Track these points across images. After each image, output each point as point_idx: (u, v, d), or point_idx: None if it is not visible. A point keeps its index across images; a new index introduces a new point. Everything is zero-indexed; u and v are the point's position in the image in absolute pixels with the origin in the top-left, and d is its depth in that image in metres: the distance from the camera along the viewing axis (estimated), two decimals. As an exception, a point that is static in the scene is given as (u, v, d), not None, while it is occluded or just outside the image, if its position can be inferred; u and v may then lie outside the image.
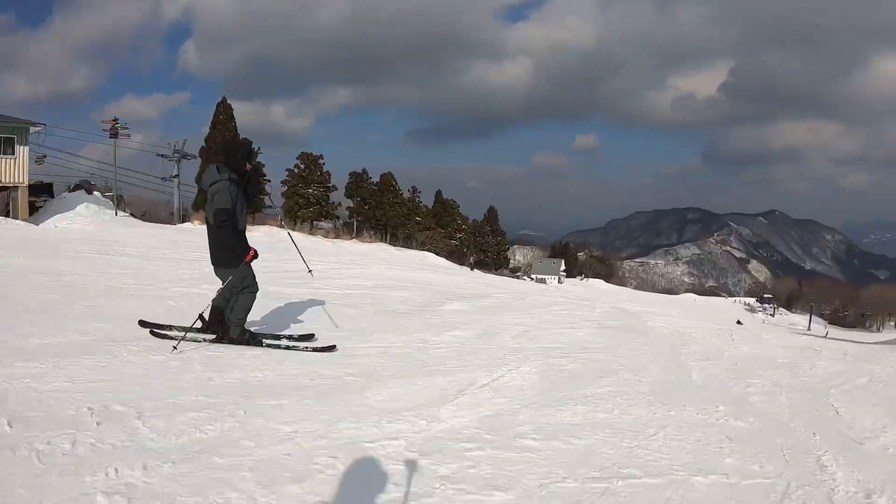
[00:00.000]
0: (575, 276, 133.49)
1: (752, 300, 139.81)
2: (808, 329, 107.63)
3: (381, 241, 53.75)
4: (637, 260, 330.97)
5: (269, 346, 6.77)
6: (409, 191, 70.41)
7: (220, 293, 6.53)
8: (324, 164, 53.62)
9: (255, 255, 6.52)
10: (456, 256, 72.13)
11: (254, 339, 6.72)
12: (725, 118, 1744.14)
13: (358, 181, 61.90)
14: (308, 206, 51.95)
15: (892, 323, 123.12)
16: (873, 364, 10.52)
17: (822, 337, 55.52)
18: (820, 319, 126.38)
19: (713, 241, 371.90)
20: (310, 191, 52.46)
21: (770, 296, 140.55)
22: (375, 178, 63.57)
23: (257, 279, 6.80)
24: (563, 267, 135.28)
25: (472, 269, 54.19)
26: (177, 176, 40.16)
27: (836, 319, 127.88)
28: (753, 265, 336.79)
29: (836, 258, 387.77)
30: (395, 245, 53.03)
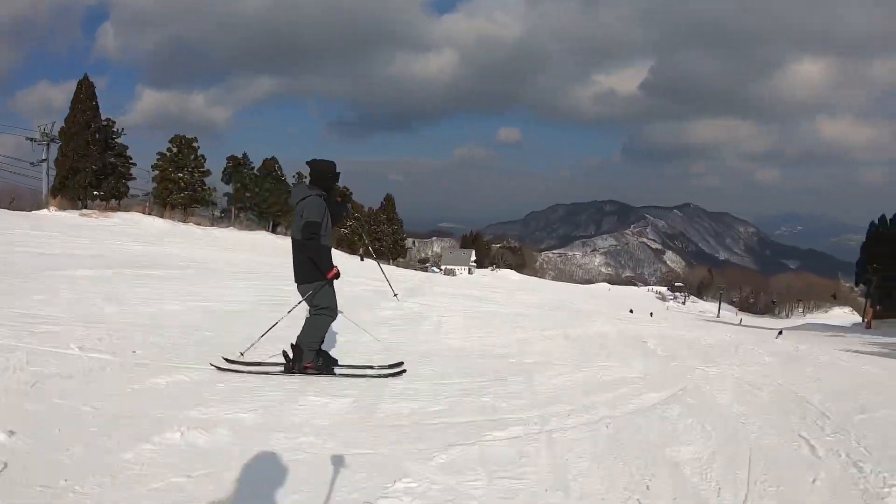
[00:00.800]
0: (486, 267, 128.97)
1: (663, 289, 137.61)
2: (718, 316, 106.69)
3: (264, 229, 52.56)
4: (556, 251, 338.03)
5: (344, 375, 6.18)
6: (294, 176, 65.81)
7: (310, 322, 6.01)
8: (198, 147, 49.25)
9: (338, 275, 5.99)
10: (346, 245, 67.12)
11: (327, 368, 6.12)
12: (645, 114, 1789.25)
13: (237, 166, 57.79)
14: (179, 191, 47.33)
15: (800, 310, 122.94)
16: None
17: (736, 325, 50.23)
18: (730, 307, 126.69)
19: (630, 232, 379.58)
20: (181, 175, 47.69)
21: (681, 284, 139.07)
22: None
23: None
24: (473, 257, 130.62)
25: (361, 259, 50.82)
26: (45, 160, 38.79)
27: (746, 307, 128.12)
28: (669, 256, 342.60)
29: (748, 249, 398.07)
30: (277, 233, 51.59)
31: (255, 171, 58.98)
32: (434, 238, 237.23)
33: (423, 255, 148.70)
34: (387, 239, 77.82)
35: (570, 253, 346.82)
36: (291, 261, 6.01)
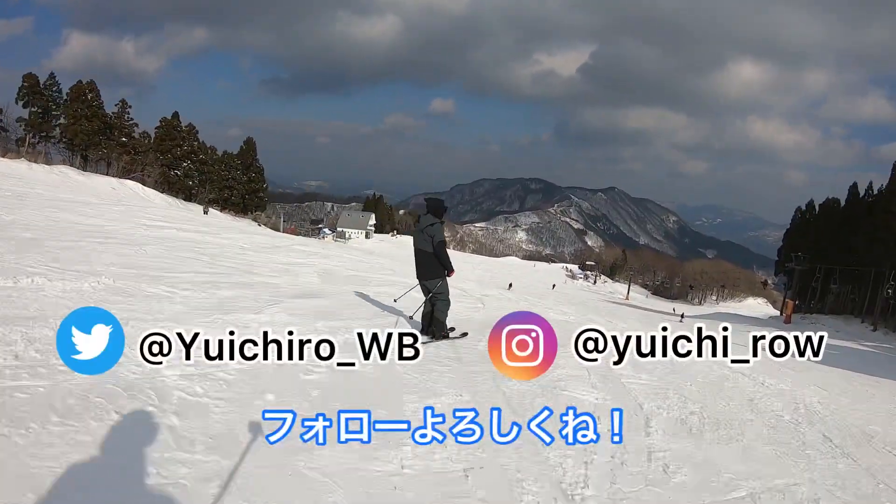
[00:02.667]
0: (387, 232, 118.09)
1: (574, 266, 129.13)
2: (627, 297, 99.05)
3: (66, 163, 46.92)
4: (478, 225, 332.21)
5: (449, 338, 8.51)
6: (117, 105, 54.52)
7: (437, 308, 8.32)
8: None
9: (453, 273, 8.45)
10: (181, 190, 54.82)
11: (447, 335, 8.50)
12: (581, 98, 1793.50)
13: (33, 87, 49.90)
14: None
15: (714, 297, 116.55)
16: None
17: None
18: (641, 289, 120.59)
19: (553, 211, 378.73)
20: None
21: (592, 263, 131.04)
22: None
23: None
24: (372, 221, 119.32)
25: (205, 211, 47.49)
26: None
27: (660, 290, 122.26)
28: (590, 237, 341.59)
29: (668, 236, 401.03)
30: (82, 169, 47.20)
31: (59, 92, 51.28)
32: (353, 204, 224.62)
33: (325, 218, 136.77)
34: (239, 188, 65.81)
35: (493, 227, 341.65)
36: (417, 263, 8.24)
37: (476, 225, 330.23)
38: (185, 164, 59.53)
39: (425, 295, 8.17)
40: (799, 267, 57.53)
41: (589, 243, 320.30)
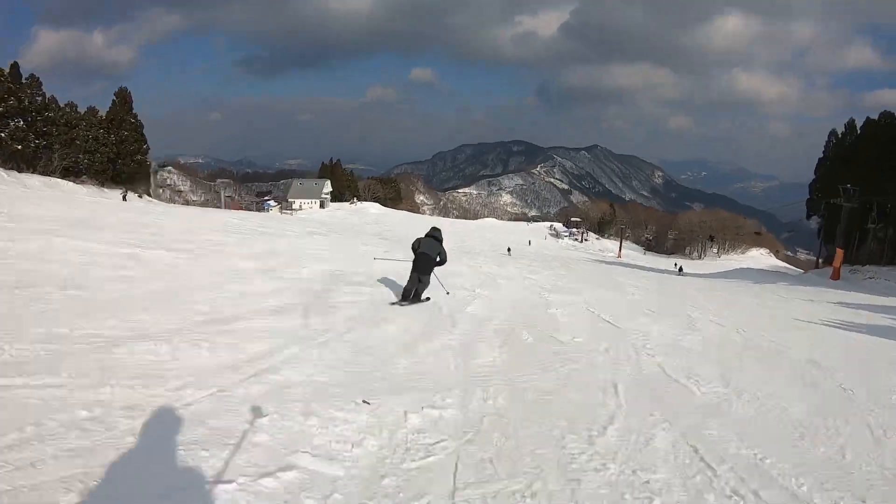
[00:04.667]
0: (347, 201, 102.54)
1: (558, 224, 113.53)
2: (619, 255, 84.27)
3: None
4: (461, 191, 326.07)
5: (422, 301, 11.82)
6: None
7: (420, 285, 11.68)
8: None
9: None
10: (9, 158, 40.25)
11: (423, 300, 11.89)
12: (563, 57, 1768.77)
13: None
14: None
15: (714, 250, 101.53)
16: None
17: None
18: (635, 245, 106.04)
19: (537, 171, 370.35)
20: None
21: (578, 219, 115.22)
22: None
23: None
24: (328, 189, 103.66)
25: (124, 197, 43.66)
26: None
27: (654, 246, 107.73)
28: (576, 196, 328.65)
29: (654, 191, 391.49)
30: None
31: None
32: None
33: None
34: (104, 151, 49.71)
35: (476, 192, 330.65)
36: (417, 261, 11.53)
37: (459, 191, 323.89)
38: (12, 122, 43.84)
39: (415, 282, 11.53)
40: (850, 204, 42.59)
41: (574, 202, 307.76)
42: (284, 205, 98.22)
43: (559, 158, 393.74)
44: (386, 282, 13.63)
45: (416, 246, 11.62)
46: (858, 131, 52.35)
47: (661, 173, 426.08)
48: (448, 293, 12.61)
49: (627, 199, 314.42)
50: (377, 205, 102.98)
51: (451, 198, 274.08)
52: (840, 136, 55.45)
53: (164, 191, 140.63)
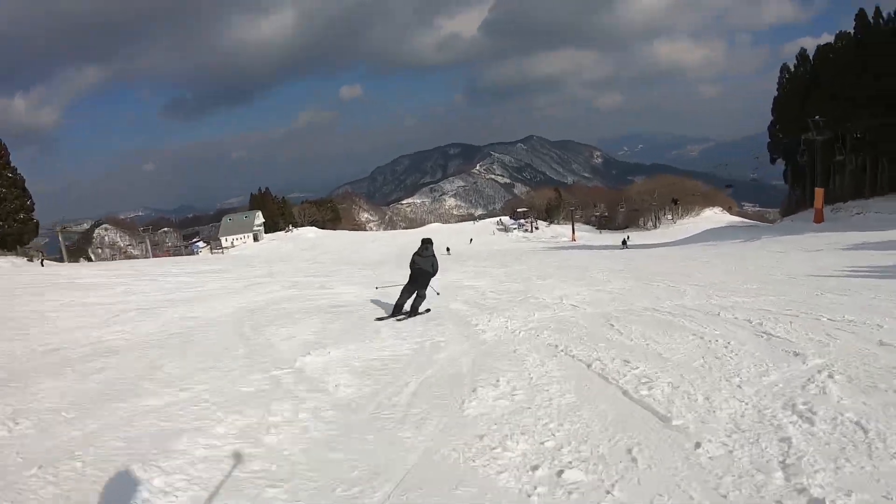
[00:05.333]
0: (281, 230, 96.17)
1: (505, 218, 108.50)
2: (574, 238, 79.61)
3: None
4: (405, 202, 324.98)
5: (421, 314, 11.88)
6: None
7: (416, 299, 11.88)
8: None
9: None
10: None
11: (421, 314, 11.96)
12: (487, 55, 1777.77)
13: None
14: None
15: (669, 216, 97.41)
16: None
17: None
18: (587, 226, 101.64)
19: (476, 171, 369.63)
20: None
21: (524, 209, 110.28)
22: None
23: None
24: (259, 220, 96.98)
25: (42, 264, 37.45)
26: None
27: (607, 223, 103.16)
28: (518, 188, 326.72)
29: (595, 171, 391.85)
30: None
31: None
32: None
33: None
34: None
35: (420, 200, 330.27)
36: (417, 276, 11.85)
37: (403, 202, 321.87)
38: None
39: (410, 293, 11.83)
40: (821, 137, 38.05)
41: (518, 194, 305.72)
42: (214, 244, 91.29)
43: (497, 154, 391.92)
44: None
45: (414, 262, 12.06)
46: (811, 61, 48.24)
47: (598, 153, 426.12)
48: (438, 293, 13.09)
49: (570, 182, 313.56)
50: (314, 229, 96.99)
51: (395, 211, 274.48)
52: (793, 69, 51.26)
53: (102, 250, 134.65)
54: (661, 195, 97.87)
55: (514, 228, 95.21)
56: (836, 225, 33.12)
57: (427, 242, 12.14)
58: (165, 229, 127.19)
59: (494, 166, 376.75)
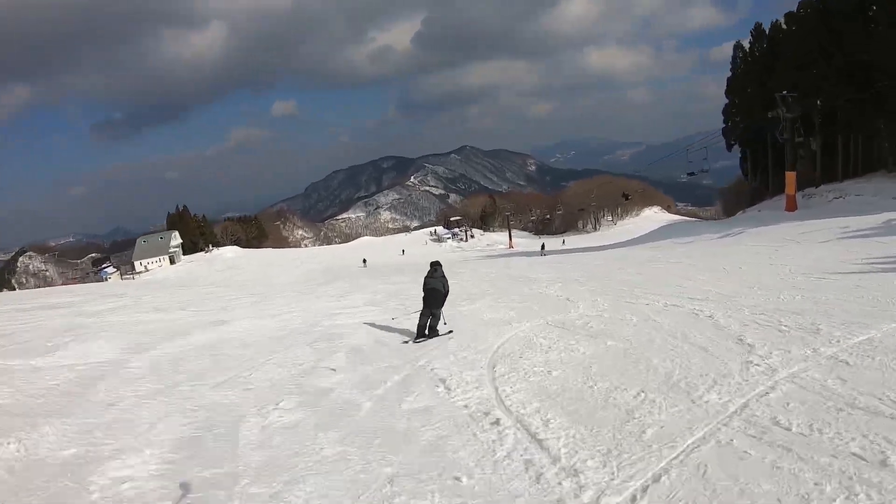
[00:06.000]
0: (201, 251, 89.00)
1: (439, 228, 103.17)
2: (511, 245, 74.88)
3: None
4: (340, 217, 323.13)
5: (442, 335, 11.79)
6: None
7: (432, 319, 11.84)
8: None
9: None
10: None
11: (438, 335, 11.93)
12: (419, 67, 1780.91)
13: None
14: None
15: (609, 218, 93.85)
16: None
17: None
18: (524, 232, 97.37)
19: (411, 183, 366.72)
20: None
21: (457, 218, 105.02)
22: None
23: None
24: (176, 241, 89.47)
25: None
26: None
27: (542, 229, 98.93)
28: (453, 198, 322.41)
29: (529, 179, 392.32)
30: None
31: None
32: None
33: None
34: None
35: (355, 215, 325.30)
36: (428, 297, 11.81)
37: (338, 217, 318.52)
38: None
39: (427, 316, 11.79)
40: (791, 114, 33.70)
41: (453, 205, 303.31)
42: (124, 269, 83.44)
43: (430, 166, 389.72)
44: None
45: (426, 283, 12.13)
46: (766, 34, 44.41)
47: (532, 160, 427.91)
48: (445, 324, 12.40)
49: (504, 190, 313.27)
50: (235, 248, 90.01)
51: (331, 227, 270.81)
52: (749, 46, 47.39)
53: (26, 279, 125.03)
54: (599, 196, 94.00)
55: (448, 238, 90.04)
56: (812, 212, 29.05)
57: (436, 265, 12.59)
58: (93, 255, 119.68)
59: (429, 178, 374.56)
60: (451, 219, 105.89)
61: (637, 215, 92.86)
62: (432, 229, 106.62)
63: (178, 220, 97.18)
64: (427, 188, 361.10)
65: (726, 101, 49.71)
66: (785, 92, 33.51)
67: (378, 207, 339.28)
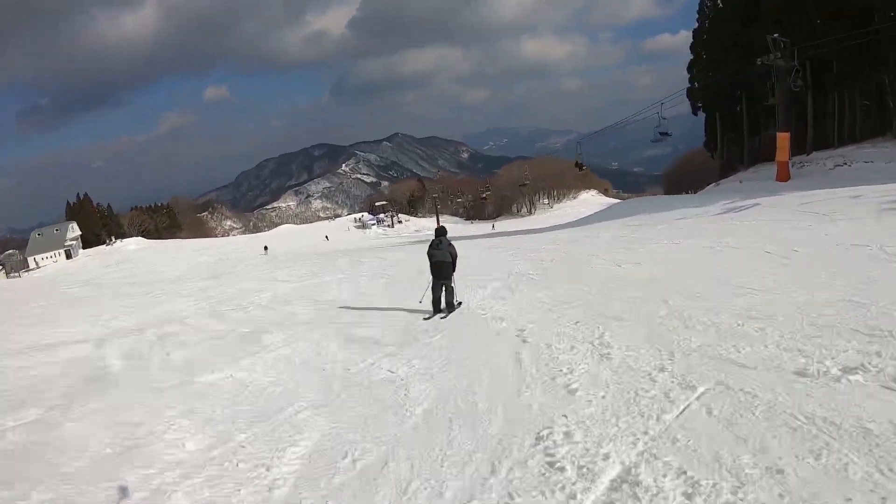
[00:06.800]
0: (105, 243, 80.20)
1: (364, 215, 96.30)
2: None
3: None
4: (270, 206, 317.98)
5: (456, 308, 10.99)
6: None
7: (446, 292, 10.91)
8: None
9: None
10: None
11: (457, 307, 11.11)
12: (354, 52, 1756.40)
13: None
14: None
15: (545, 201, 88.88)
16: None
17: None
18: (455, 217, 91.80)
19: (342, 171, 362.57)
20: None
21: (383, 203, 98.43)
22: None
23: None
24: (74, 232, 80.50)
25: None
26: None
27: (474, 214, 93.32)
28: (385, 186, 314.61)
29: (462, 166, 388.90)
30: None
31: None
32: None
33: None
34: None
35: (285, 204, 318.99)
36: (437, 269, 10.88)
37: (269, 206, 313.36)
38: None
39: (439, 289, 10.94)
40: (784, 64, 27.75)
41: (385, 192, 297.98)
42: (12, 266, 73.84)
43: (362, 154, 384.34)
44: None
45: (431, 254, 11.30)
46: None
47: (465, 148, 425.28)
48: (421, 301, 11.52)
49: (436, 178, 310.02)
50: (140, 239, 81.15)
51: (260, 216, 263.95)
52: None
53: None
54: (535, 179, 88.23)
55: (373, 224, 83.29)
56: (812, 182, 23.39)
57: (441, 233, 11.51)
58: (10, 251, 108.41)
59: (360, 165, 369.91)
60: (377, 204, 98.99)
61: (574, 198, 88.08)
62: (357, 216, 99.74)
63: (79, 211, 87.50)
64: (358, 176, 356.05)
65: (690, 56, 43.88)
66: (776, 35, 27.64)
67: (309, 196, 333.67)
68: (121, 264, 58.21)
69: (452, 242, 11.18)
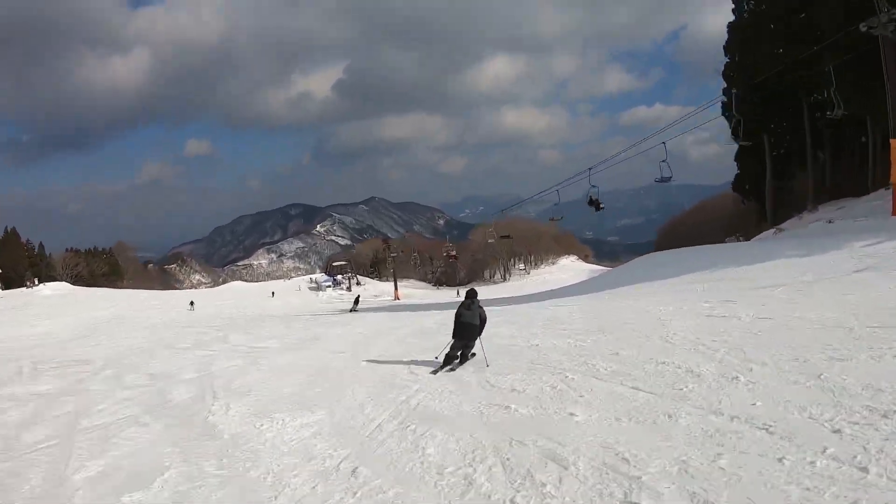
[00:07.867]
0: (26, 285, 69.53)
1: (319, 275, 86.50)
2: (397, 296, 58.38)
3: None
4: (242, 262, 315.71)
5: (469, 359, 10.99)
6: None
7: (465, 349, 10.85)
8: None
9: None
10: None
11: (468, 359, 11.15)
12: (337, 115, 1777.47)
13: None
14: None
15: (521, 266, 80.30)
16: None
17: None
18: (423, 283, 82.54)
19: (316, 232, 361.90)
20: None
21: (342, 262, 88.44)
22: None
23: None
24: (-10, 273, 70.10)
25: None
26: None
27: (444, 280, 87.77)
28: (359, 248, 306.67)
29: (437, 232, 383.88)
30: None
31: None
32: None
33: None
34: None
35: (257, 262, 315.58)
36: (463, 330, 10.71)
37: (240, 263, 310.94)
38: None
39: (460, 348, 10.79)
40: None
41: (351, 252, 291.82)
42: None
43: (338, 215, 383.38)
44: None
45: (460, 314, 11.14)
46: None
47: (441, 214, 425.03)
48: (488, 365, 10.46)
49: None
50: (64, 284, 70.64)
51: (231, 272, 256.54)
52: None
53: None
54: (508, 242, 78.09)
55: (328, 286, 72.92)
56: None
57: (472, 295, 11.42)
58: None
59: (335, 227, 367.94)
60: (335, 264, 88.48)
61: (553, 264, 79.59)
62: (311, 276, 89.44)
63: (2, 248, 76.90)
64: (333, 237, 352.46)
65: (725, 59, 35.26)
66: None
67: (282, 255, 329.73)
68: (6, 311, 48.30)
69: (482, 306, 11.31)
